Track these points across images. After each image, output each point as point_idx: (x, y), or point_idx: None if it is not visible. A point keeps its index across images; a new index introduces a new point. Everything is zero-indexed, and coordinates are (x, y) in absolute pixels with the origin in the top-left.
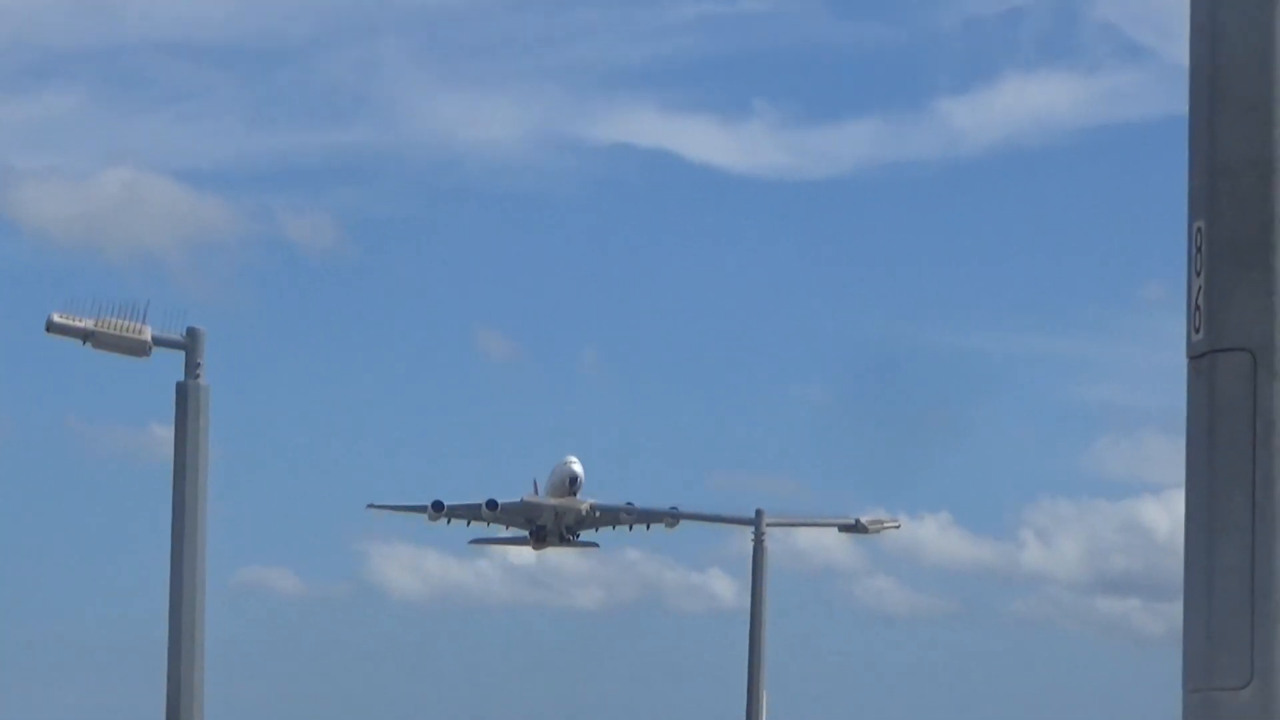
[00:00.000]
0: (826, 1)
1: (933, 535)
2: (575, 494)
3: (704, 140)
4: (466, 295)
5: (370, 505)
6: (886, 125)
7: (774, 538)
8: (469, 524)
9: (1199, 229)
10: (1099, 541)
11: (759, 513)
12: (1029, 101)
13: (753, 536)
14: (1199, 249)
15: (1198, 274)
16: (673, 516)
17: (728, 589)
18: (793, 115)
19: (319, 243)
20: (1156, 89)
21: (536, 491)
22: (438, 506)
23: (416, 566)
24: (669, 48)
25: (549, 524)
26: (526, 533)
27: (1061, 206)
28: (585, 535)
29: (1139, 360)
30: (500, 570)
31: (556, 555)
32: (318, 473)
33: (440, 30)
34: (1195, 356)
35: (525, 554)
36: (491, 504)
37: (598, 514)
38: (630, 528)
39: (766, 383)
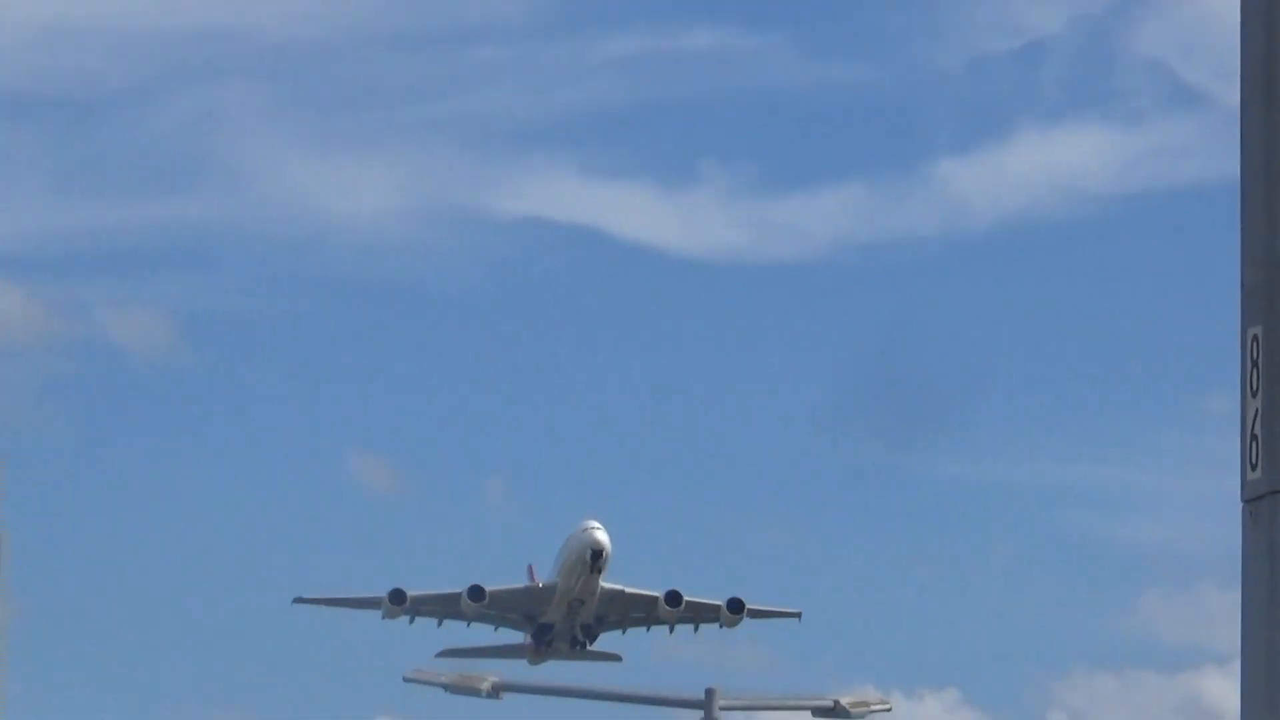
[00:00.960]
0: (794, 36)
1: (936, 718)
2: (600, 574)
3: (638, 213)
4: (336, 411)
5: (298, 599)
6: (871, 193)
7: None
8: (440, 624)
9: (1254, 337)
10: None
11: (709, 692)
12: (1052, 161)
13: None
14: (1255, 362)
15: (1253, 394)
16: (732, 613)
17: None
18: (751, 181)
19: (147, 343)
20: (1218, 144)
21: (534, 577)
22: (397, 598)
23: None
24: (591, 95)
25: (558, 621)
26: (524, 635)
27: (1093, 295)
28: (603, 641)
29: (1197, 492)
30: None
31: (563, 670)
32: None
33: (298, 75)
34: (1252, 499)
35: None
36: (476, 592)
37: (627, 603)
38: (671, 629)
39: (728, 512)
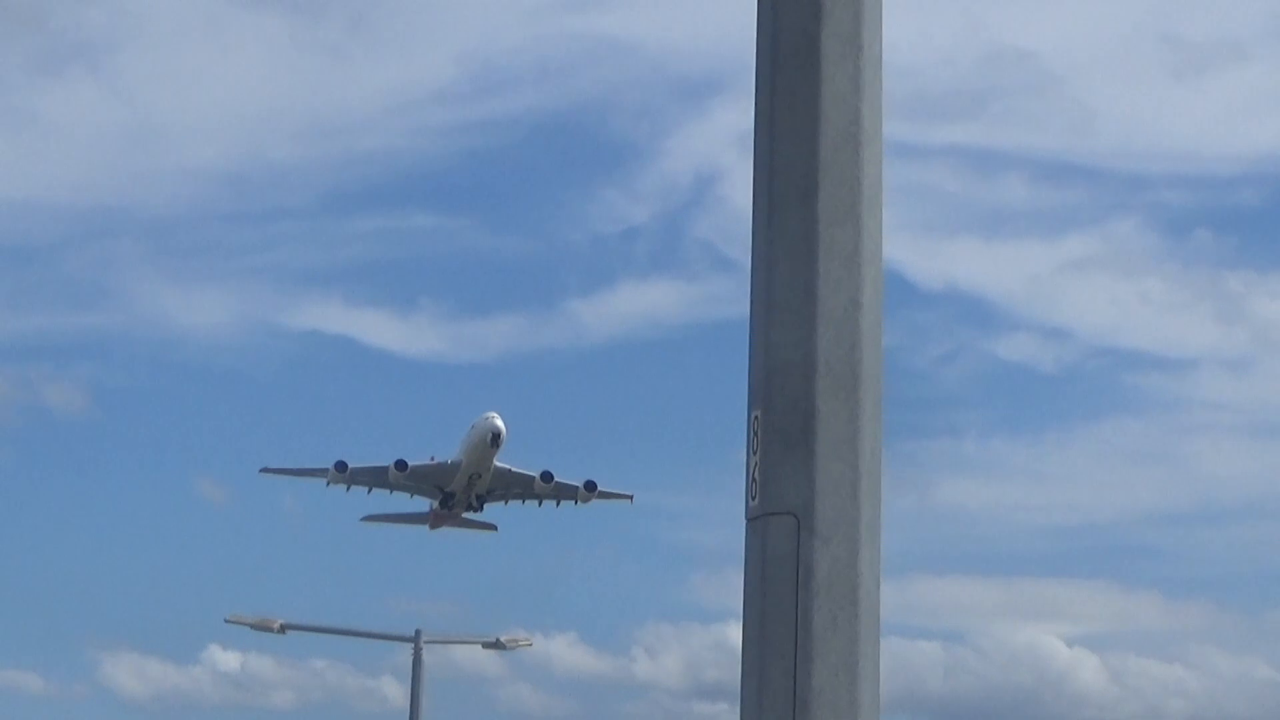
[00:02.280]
0: (480, 219)
1: (562, 650)
2: (497, 451)
3: (380, 329)
4: (186, 450)
5: (264, 469)
6: (526, 320)
7: (434, 652)
8: (370, 491)
9: (756, 416)
10: (695, 657)
11: (418, 632)
12: (642, 302)
13: (412, 651)
14: (756, 433)
15: (754, 453)
16: (587, 491)
17: (398, 693)
18: (451, 310)
19: (71, 406)
20: (741, 294)
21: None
22: (340, 467)
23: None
24: (353, 253)
25: (459, 490)
26: (429, 505)
27: (667, 387)
28: (487, 516)
29: (724, 513)
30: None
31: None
32: None
33: (168, 236)
34: (752, 519)
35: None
36: (401, 464)
37: (511, 480)
38: (540, 502)
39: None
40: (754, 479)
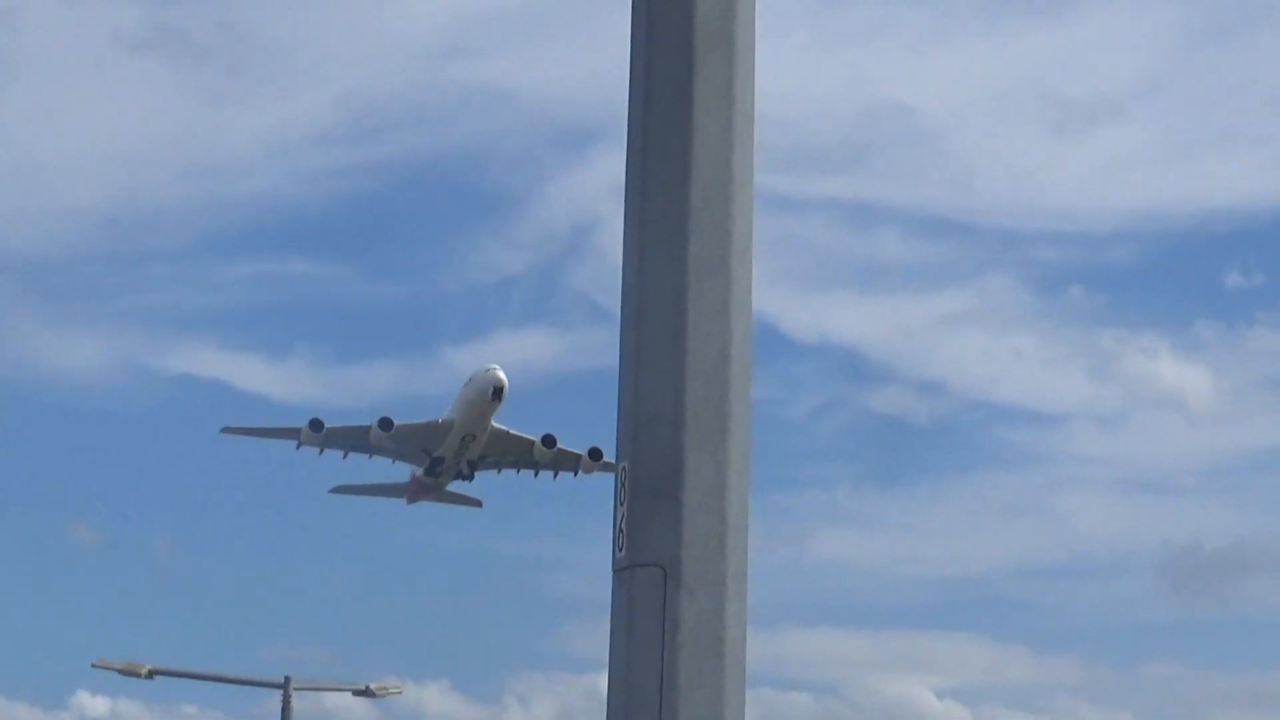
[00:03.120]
0: (358, 267)
1: (433, 698)
2: (497, 408)
3: (254, 374)
4: (56, 492)
5: (226, 429)
6: (402, 367)
7: (304, 699)
8: (345, 456)
9: (624, 468)
10: (567, 706)
11: (287, 679)
12: (517, 351)
13: (281, 698)
14: (624, 484)
15: (622, 504)
16: (591, 460)
17: None
18: (327, 356)
19: None
20: (614, 343)
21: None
22: (316, 426)
23: None
24: (229, 297)
25: (449, 455)
26: (409, 473)
27: (536, 432)
28: (474, 487)
29: (595, 563)
30: None
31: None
32: None
33: (42, 276)
34: (619, 570)
35: None
36: (386, 423)
37: (508, 443)
38: (536, 472)
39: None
40: (621, 530)
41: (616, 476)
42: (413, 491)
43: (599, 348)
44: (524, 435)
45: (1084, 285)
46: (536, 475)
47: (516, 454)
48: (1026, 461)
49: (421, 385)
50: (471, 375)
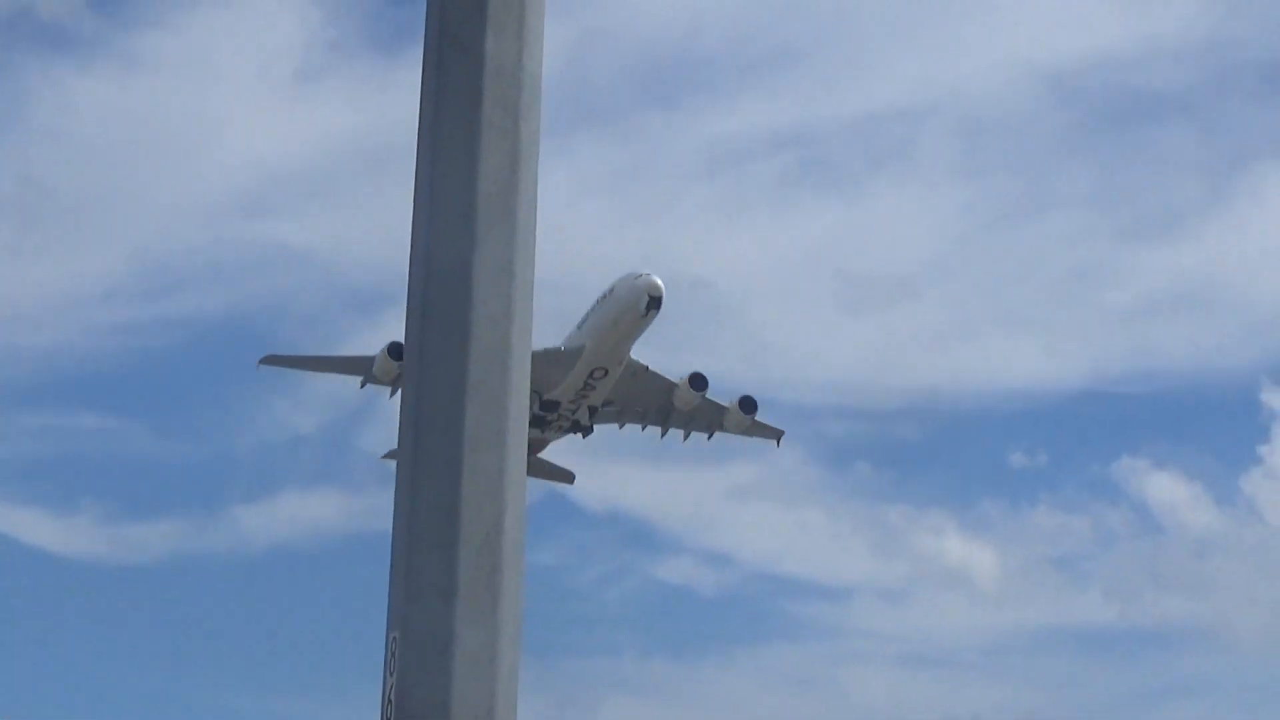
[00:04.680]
0: (148, 424)
1: None
2: (647, 325)
3: (37, 527)
4: None
5: (268, 358)
6: (190, 525)
7: None
8: None
9: (395, 637)
10: None
11: None
12: (306, 512)
13: None
14: (393, 654)
15: (391, 674)
16: (741, 413)
17: None
18: (113, 512)
19: None
20: None
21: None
22: (396, 352)
23: None
24: (15, 450)
25: (567, 399)
26: None
27: (323, 597)
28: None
29: None
30: None
31: None
32: None
33: None
34: None
35: None
36: None
37: (644, 384)
38: (664, 431)
39: None
40: (389, 700)
41: (387, 645)
42: None
43: (388, 511)
44: (666, 375)
45: (871, 461)
46: (664, 434)
47: (650, 400)
48: (812, 634)
49: (206, 543)
50: (611, 286)
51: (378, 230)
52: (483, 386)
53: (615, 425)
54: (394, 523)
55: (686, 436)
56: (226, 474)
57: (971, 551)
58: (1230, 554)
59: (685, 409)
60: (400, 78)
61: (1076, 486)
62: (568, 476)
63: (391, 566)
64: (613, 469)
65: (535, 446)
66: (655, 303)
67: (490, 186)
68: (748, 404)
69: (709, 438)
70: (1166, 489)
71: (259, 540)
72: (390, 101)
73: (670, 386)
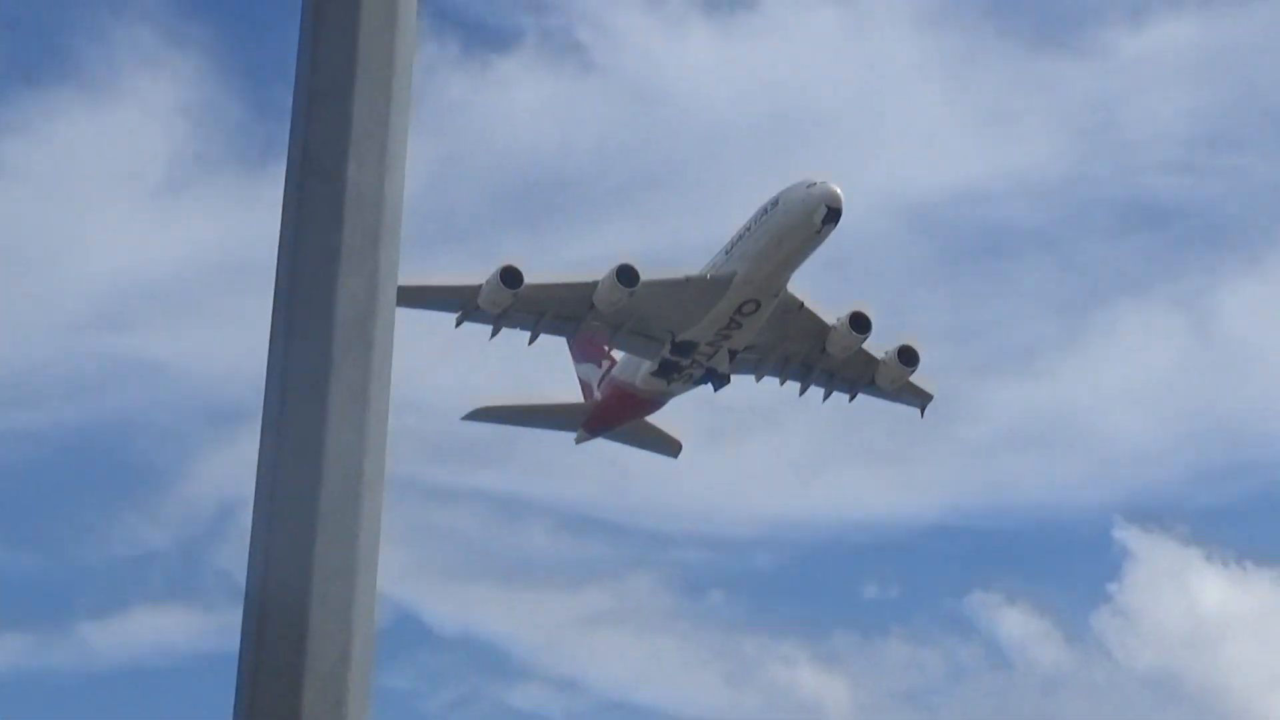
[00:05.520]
0: None
1: None
2: (820, 242)
3: None
4: None
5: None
6: (34, 639)
7: None
8: (532, 340)
9: None
10: None
11: None
12: (156, 630)
13: None
14: None
15: None
16: (902, 365)
17: None
18: None
19: None
20: None
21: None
22: (510, 279)
23: None
24: None
25: (705, 339)
26: (597, 378)
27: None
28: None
29: None
30: None
31: None
32: None
33: None
34: None
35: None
36: (627, 275)
37: (797, 325)
38: (803, 387)
39: None
40: None
41: None
42: (599, 413)
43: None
44: (821, 314)
45: (726, 590)
46: (803, 392)
47: (799, 345)
48: None
49: (51, 659)
50: (775, 198)
51: (235, 345)
52: (332, 517)
53: (752, 376)
54: (240, 656)
55: (827, 396)
56: (74, 589)
57: (824, 683)
58: (1079, 691)
59: (840, 356)
60: (264, 193)
61: (928, 620)
62: (674, 447)
63: (235, 698)
64: (466, 591)
65: (654, 404)
66: (834, 214)
67: (348, 312)
68: (908, 355)
69: (851, 399)
70: (1018, 624)
71: (106, 658)
72: (254, 217)
73: (824, 329)
